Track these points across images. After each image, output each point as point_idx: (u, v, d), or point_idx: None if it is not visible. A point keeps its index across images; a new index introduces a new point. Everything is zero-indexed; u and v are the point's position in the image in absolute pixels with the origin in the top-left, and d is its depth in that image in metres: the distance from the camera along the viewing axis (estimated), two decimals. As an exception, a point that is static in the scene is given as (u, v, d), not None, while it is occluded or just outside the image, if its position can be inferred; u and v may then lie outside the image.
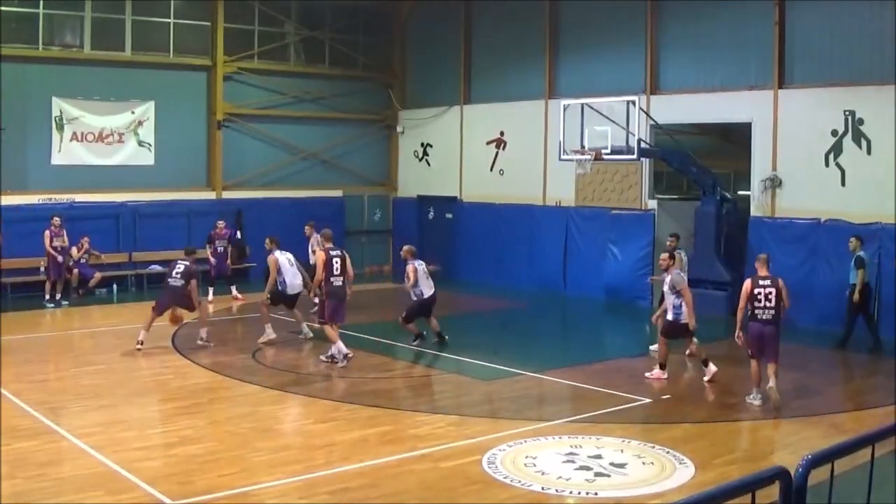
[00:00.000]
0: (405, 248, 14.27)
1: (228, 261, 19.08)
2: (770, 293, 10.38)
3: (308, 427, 9.62)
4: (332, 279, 12.58)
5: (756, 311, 10.41)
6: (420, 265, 14.00)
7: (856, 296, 13.80)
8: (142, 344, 13.27)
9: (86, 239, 18.85)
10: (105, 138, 20.18)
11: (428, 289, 13.90)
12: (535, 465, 8.29)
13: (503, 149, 21.87)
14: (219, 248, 18.73)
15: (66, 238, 18.16)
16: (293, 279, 14.15)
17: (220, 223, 19.10)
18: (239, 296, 18.77)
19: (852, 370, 12.40)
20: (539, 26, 20.90)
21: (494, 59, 22.09)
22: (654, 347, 12.89)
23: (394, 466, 8.29)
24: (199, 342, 13.69)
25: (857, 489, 3.95)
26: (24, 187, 19.13)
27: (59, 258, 17.92)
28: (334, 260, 12.66)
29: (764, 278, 10.50)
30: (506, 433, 9.32)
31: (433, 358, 13.52)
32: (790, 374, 12.56)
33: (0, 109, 18.44)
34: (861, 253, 14.08)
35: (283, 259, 14.16)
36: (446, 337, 14.05)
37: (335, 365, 12.49)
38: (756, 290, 10.41)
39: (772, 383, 10.31)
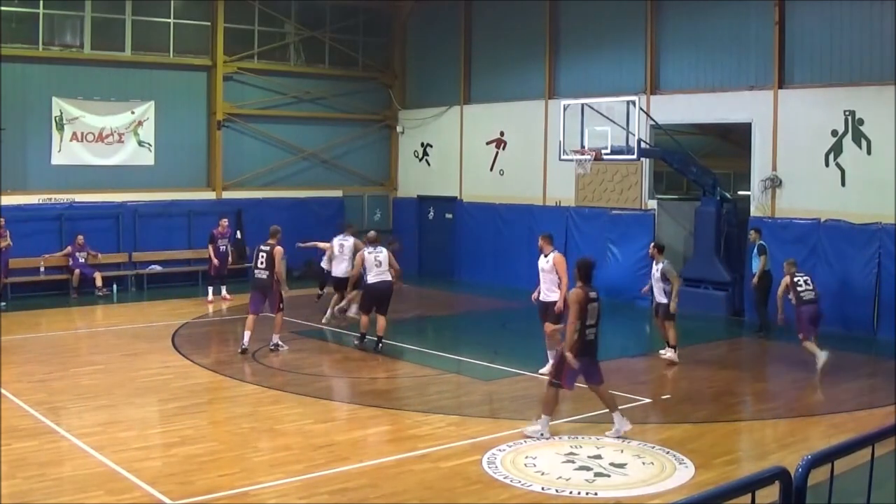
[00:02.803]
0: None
1: (230, 259, 19.06)
2: (807, 278, 12.64)
3: (308, 427, 9.60)
4: (255, 271, 13.63)
5: (802, 294, 12.35)
6: (369, 252, 13.52)
7: (754, 280, 14.96)
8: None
9: (80, 237, 18.85)
10: (105, 138, 20.17)
11: (373, 276, 13.43)
12: (535, 466, 8.29)
13: (503, 149, 21.86)
14: (221, 247, 18.65)
15: (9, 238, 17.69)
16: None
17: (224, 221, 19.01)
18: (228, 296, 18.70)
19: (852, 370, 12.39)
20: (539, 26, 20.89)
21: (494, 59, 22.07)
22: (664, 352, 13.04)
23: (394, 466, 8.29)
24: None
25: (857, 489, 3.96)
26: (24, 187, 19.14)
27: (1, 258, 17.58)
28: (260, 254, 13.55)
29: (798, 271, 12.73)
30: (506, 433, 9.32)
31: (433, 358, 13.50)
32: (790, 374, 12.59)
33: (0, 109, 18.46)
34: (762, 242, 15.04)
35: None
36: (381, 345, 13.47)
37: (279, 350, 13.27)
38: (795, 279, 12.50)
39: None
